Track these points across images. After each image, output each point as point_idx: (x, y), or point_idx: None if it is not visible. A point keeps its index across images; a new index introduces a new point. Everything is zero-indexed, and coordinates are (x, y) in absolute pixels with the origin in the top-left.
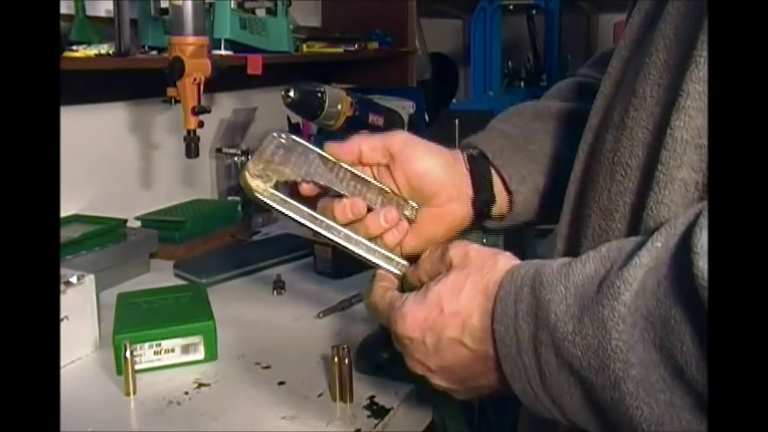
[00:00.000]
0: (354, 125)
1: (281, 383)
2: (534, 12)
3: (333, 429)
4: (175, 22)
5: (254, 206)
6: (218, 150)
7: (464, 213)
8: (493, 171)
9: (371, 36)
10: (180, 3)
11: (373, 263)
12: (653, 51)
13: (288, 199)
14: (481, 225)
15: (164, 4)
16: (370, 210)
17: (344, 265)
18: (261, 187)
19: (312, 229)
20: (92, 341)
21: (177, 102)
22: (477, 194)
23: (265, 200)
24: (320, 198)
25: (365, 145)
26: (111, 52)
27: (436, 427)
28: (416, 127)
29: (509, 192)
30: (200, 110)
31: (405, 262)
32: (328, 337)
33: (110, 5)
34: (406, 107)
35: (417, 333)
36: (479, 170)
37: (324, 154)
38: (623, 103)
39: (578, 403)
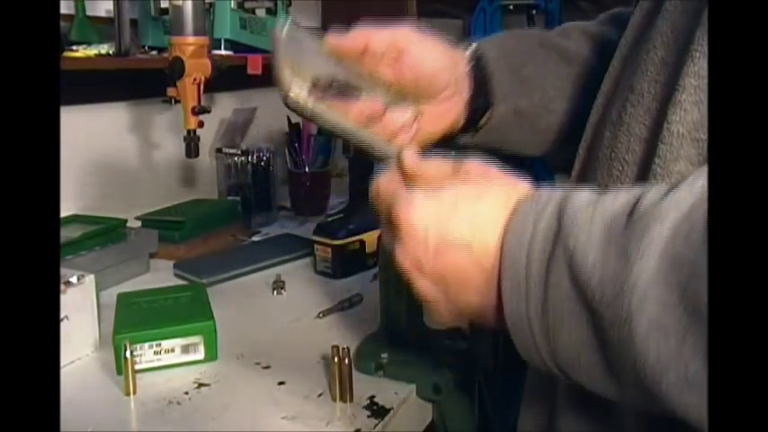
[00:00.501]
0: None
1: (281, 383)
2: (534, 12)
3: (333, 429)
4: (175, 22)
5: (254, 206)
6: (218, 150)
7: (458, 115)
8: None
9: None
10: (180, 3)
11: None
12: (650, 48)
13: (321, 104)
14: (454, 140)
15: (164, 4)
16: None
17: (344, 265)
18: (301, 95)
19: (353, 140)
20: (92, 341)
21: (177, 102)
22: (473, 98)
23: (304, 110)
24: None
25: (372, 39)
26: (111, 52)
27: (436, 427)
28: None
29: (492, 102)
30: (200, 110)
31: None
32: (328, 337)
33: (110, 5)
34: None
35: (422, 224)
36: (479, 74)
37: (324, 49)
38: (621, 100)
39: (575, 339)
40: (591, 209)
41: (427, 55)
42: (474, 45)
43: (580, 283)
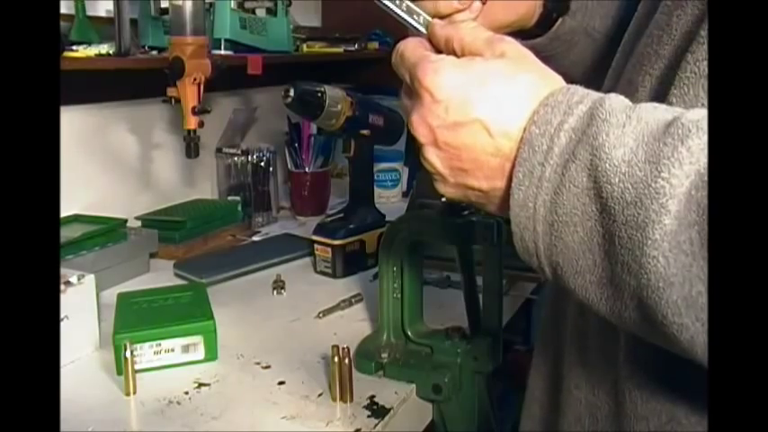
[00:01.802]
0: (354, 125)
1: (281, 383)
2: None
3: (333, 429)
4: (175, 22)
5: (254, 206)
6: (219, 150)
7: (532, 10)
8: None
9: (371, 36)
10: (180, 3)
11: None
12: (648, 42)
13: None
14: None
15: (164, 4)
16: None
17: (344, 265)
18: None
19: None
20: (92, 341)
21: (177, 102)
22: None
23: None
24: None
25: None
26: (111, 52)
27: (436, 427)
28: None
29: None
30: (200, 110)
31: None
32: (328, 337)
33: (110, 5)
34: None
35: (444, 94)
36: None
37: None
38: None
39: (579, 238)
40: (628, 109)
41: None
42: None
43: (600, 179)
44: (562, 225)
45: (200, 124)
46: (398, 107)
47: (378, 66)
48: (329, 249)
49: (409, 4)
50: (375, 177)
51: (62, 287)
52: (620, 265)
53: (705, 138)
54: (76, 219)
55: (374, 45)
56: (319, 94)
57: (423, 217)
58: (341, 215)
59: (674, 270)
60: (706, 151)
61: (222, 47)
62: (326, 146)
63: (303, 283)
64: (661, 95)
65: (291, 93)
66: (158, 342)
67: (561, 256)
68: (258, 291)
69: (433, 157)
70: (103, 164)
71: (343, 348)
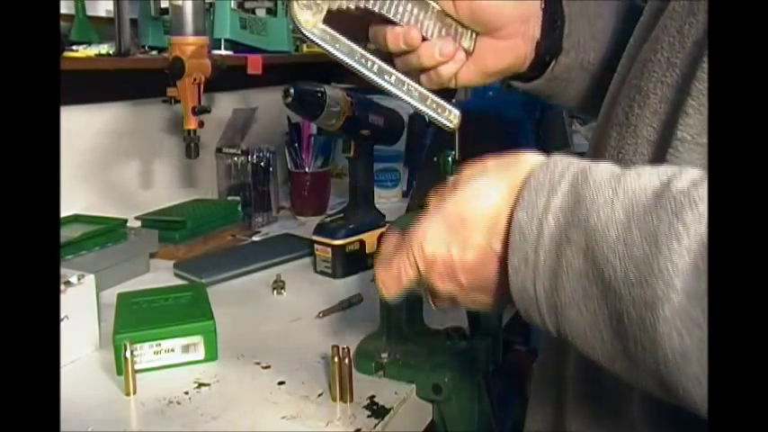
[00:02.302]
0: (354, 125)
1: (281, 383)
2: None
3: (333, 429)
4: (175, 22)
5: (254, 206)
6: (219, 150)
7: (525, 53)
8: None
9: None
10: (180, 3)
11: (424, 112)
12: (657, 48)
13: (338, 36)
14: (515, 80)
15: (164, 4)
16: (425, 39)
17: (344, 265)
18: (311, 22)
19: (362, 73)
20: (92, 341)
21: (177, 102)
22: (543, 39)
23: (314, 38)
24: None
25: None
26: (111, 52)
27: (436, 427)
28: (416, 127)
29: (562, 48)
30: (200, 110)
31: (457, 111)
32: (328, 337)
33: (110, 5)
34: (406, 107)
35: (441, 248)
36: (553, 13)
37: None
38: (627, 100)
39: (588, 318)
40: (613, 181)
41: None
42: None
43: (600, 262)
44: (566, 307)
45: (200, 124)
46: (398, 107)
47: None
48: (329, 249)
49: (381, 64)
50: (375, 177)
51: (62, 287)
52: (632, 342)
53: (701, 207)
54: (76, 219)
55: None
56: (319, 94)
57: None
58: (341, 215)
59: (689, 345)
60: (703, 219)
61: (222, 47)
62: (326, 146)
63: (303, 283)
64: (676, 104)
65: (291, 93)
66: (158, 342)
67: (570, 333)
68: (258, 291)
69: (449, 291)
70: (103, 164)
71: (343, 348)
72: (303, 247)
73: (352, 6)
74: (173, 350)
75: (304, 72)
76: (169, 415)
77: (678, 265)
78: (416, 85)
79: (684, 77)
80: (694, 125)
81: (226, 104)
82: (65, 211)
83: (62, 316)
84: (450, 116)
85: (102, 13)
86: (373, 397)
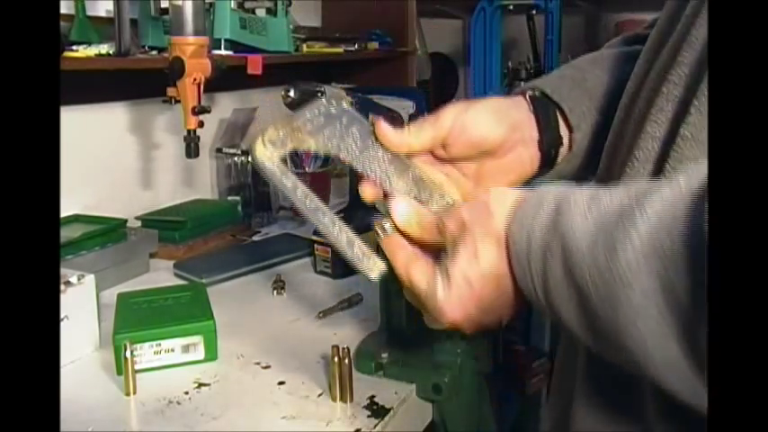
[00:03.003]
0: None
1: (281, 383)
2: (534, 12)
3: (333, 429)
4: (175, 22)
5: (254, 206)
6: (218, 150)
7: (531, 157)
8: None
9: (371, 36)
10: (180, 3)
11: (349, 257)
12: (672, 50)
13: (288, 173)
14: (543, 173)
15: (164, 4)
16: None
17: (344, 265)
18: (266, 155)
19: (298, 208)
20: (92, 341)
21: (177, 102)
22: (542, 135)
23: (265, 170)
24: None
25: (415, 140)
26: (111, 52)
27: (436, 427)
28: None
29: (570, 129)
30: (200, 110)
31: (382, 263)
32: (328, 337)
33: (110, 5)
34: (406, 107)
35: (462, 315)
36: (543, 110)
37: (370, 128)
38: (644, 101)
39: (575, 316)
40: (590, 200)
41: (472, 124)
42: (529, 84)
43: (572, 269)
44: (559, 306)
45: (200, 124)
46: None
47: (378, 66)
48: (329, 249)
49: (318, 203)
50: None
51: (62, 287)
52: (607, 342)
53: (650, 213)
54: (76, 219)
55: (374, 45)
56: (319, 95)
57: None
58: (341, 215)
59: (648, 336)
60: (658, 228)
61: (222, 47)
62: None
63: (303, 283)
64: (685, 103)
65: (291, 93)
66: (158, 342)
67: (569, 325)
68: (258, 291)
69: (473, 325)
70: (103, 164)
71: (343, 348)
72: (303, 247)
73: (322, 153)
74: (173, 350)
75: (304, 72)
76: (169, 415)
77: (634, 268)
78: (347, 229)
79: (691, 77)
80: (694, 123)
81: (226, 104)
82: (65, 211)
83: (62, 316)
84: (373, 266)
85: (102, 13)
86: (373, 397)
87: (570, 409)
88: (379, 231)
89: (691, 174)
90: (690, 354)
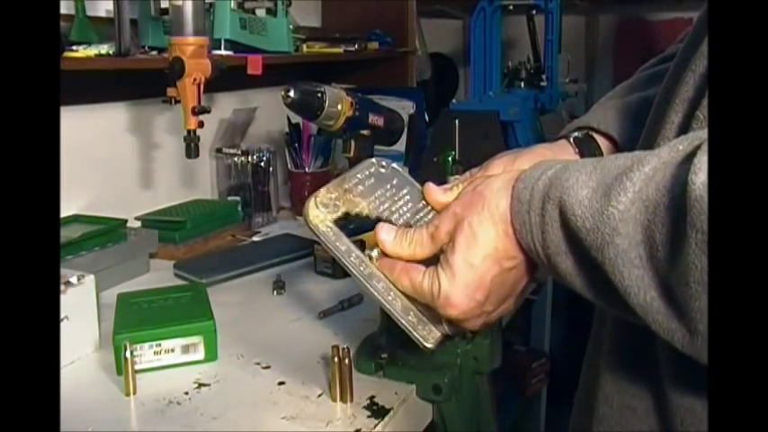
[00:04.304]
0: (354, 125)
1: (281, 383)
2: (534, 12)
3: (333, 429)
4: (175, 23)
5: (254, 206)
6: (218, 150)
7: None
8: (602, 144)
9: (371, 36)
10: (180, 3)
11: (403, 325)
12: (690, 42)
13: (342, 235)
14: None
15: (164, 4)
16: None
17: None
18: (319, 217)
19: (352, 273)
20: (92, 341)
21: (177, 102)
22: None
23: (318, 233)
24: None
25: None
26: (111, 52)
27: (436, 427)
28: (416, 127)
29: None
30: (200, 110)
31: (437, 332)
32: (328, 337)
33: (110, 5)
34: (406, 107)
35: (470, 302)
36: (589, 150)
37: (420, 189)
38: (666, 92)
39: (570, 264)
40: (595, 161)
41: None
42: (572, 124)
43: (568, 213)
44: (555, 255)
45: (200, 124)
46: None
47: (378, 66)
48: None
49: (373, 269)
50: None
51: (62, 287)
52: (593, 280)
53: (646, 169)
54: (76, 219)
55: (374, 45)
56: (319, 95)
57: None
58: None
59: (629, 282)
60: (648, 181)
61: (222, 47)
62: (326, 146)
63: (303, 283)
64: (701, 89)
65: (291, 93)
66: (158, 342)
67: (564, 276)
68: (258, 291)
69: (498, 313)
70: (103, 164)
71: (344, 348)
72: (303, 247)
73: (373, 217)
74: (173, 350)
75: (304, 72)
76: (169, 415)
77: (623, 213)
78: (402, 297)
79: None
80: (707, 106)
81: (226, 104)
82: (65, 211)
83: (62, 316)
84: (428, 335)
85: (102, 13)
86: (373, 397)
87: (599, 378)
88: (369, 261)
89: (691, 139)
90: (666, 300)
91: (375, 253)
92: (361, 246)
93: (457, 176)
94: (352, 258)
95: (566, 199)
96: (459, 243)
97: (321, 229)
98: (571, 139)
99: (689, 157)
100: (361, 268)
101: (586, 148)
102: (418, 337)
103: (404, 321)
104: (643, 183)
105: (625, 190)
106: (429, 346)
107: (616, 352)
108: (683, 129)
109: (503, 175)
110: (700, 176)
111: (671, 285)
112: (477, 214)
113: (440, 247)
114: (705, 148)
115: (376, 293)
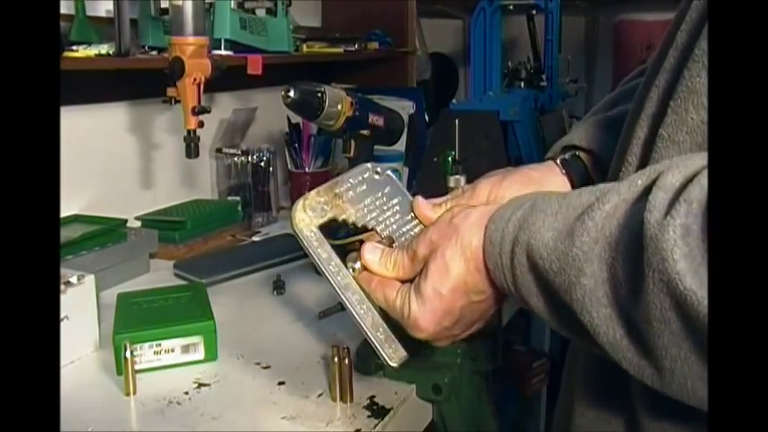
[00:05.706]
0: (354, 125)
1: (281, 383)
2: (534, 12)
3: (333, 429)
4: (175, 22)
5: (254, 206)
6: (218, 150)
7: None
8: (586, 162)
9: (371, 36)
10: (180, 3)
11: (371, 339)
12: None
13: (325, 242)
14: None
15: (164, 4)
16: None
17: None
18: (305, 221)
19: (328, 281)
20: (92, 341)
21: (177, 102)
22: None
23: (300, 236)
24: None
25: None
26: (111, 52)
27: (436, 427)
28: (416, 127)
29: (604, 173)
30: (200, 110)
31: (404, 352)
32: (328, 337)
33: (110, 5)
34: (406, 107)
35: (436, 327)
36: (576, 170)
37: (410, 201)
38: (635, 107)
39: (541, 305)
40: (560, 199)
41: (507, 196)
42: (557, 144)
43: (535, 257)
44: (527, 297)
45: (200, 124)
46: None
47: (378, 66)
48: None
49: (350, 280)
50: None
51: (62, 287)
52: (563, 320)
53: (607, 207)
54: (76, 219)
55: (374, 45)
56: (319, 95)
57: None
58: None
59: (598, 321)
60: (610, 219)
61: (222, 47)
62: (326, 146)
63: (303, 283)
64: (664, 106)
65: (291, 93)
66: (158, 342)
67: (539, 315)
68: (258, 291)
69: (464, 336)
70: (103, 164)
71: (344, 348)
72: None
73: (359, 226)
74: (173, 350)
75: (304, 72)
76: (169, 415)
77: (587, 254)
78: (375, 312)
79: (670, 83)
80: (671, 124)
81: (226, 104)
82: (65, 211)
83: (62, 316)
84: (394, 353)
85: (102, 13)
86: (373, 397)
87: (573, 406)
88: (350, 271)
89: (649, 173)
90: (634, 339)
91: (358, 266)
92: (344, 252)
93: (457, 176)
94: (331, 267)
95: (533, 243)
96: (431, 272)
97: (305, 233)
98: (558, 161)
99: (646, 193)
100: (339, 278)
101: (573, 168)
102: (384, 355)
103: (372, 337)
104: (605, 220)
105: (588, 230)
106: (393, 365)
107: (590, 380)
108: (648, 145)
109: (479, 209)
110: (654, 215)
111: (636, 322)
112: (450, 247)
113: (418, 270)
114: (660, 183)
115: (349, 305)
